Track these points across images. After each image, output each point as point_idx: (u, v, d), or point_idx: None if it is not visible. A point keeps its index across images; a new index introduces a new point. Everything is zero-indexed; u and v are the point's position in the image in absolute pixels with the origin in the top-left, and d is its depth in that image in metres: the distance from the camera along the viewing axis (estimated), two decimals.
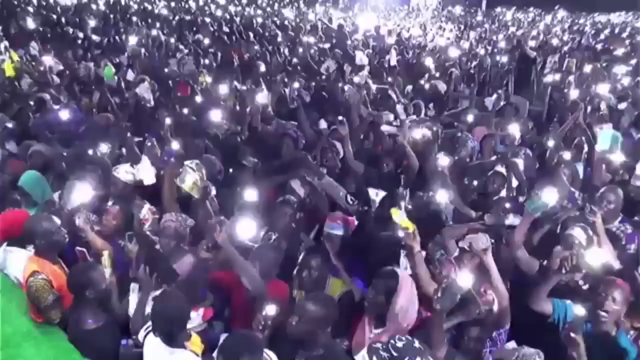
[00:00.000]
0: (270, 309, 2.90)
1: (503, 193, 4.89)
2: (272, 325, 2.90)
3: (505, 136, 6.17)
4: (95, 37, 11.94)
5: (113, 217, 4.03)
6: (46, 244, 3.46)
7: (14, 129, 5.95)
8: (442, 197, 4.44)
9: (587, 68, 10.50)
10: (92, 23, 13.34)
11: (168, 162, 4.42)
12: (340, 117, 5.77)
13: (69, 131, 6.01)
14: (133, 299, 3.40)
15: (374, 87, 8.57)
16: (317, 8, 24.11)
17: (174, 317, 2.88)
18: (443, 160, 4.93)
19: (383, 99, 8.01)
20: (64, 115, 6.03)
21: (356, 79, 8.77)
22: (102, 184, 4.51)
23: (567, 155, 5.25)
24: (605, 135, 5.44)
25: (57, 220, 3.55)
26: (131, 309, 3.36)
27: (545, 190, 3.62)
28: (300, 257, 3.62)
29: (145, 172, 4.55)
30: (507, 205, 4.24)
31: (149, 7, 17.81)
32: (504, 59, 10.70)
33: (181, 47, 11.66)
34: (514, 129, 6.13)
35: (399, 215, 3.19)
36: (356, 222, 4.29)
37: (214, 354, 2.81)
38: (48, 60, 8.53)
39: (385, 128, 6.32)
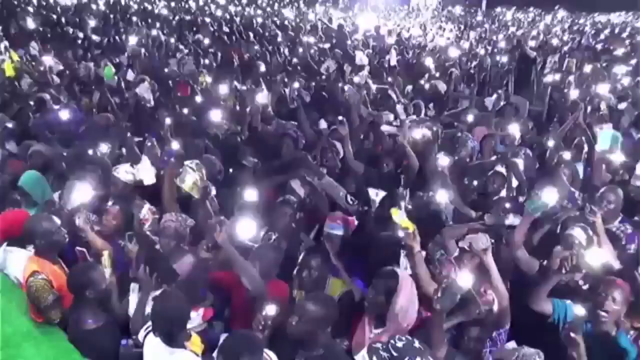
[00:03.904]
0: (270, 309, 2.89)
1: (503, 193, 4.89)
2: (272, 325, 2.90)
3: (505, 136, 6.17)
4: (95, 37, 11.94)
5: (113, 217, 4.02)
6: (46, 244, 3.45)
7: (14, 129, 5.94)
8: (442, 197, 4.44)
9: (587, 68, 10.50)
10: (92, 23, 13.33)
11: (168, 162, 4.42)
12: (340, 117, 5.77)
13: (69, 131, 6.01)
14: (133, 299, 3.40)
15: (374, 87, 8.56)
16: (317, 8, 24.09)
17: (174, 317, 2.87)
18: (443, 160, 4.93)
19: (383, 99, 8.00)
20: (64, 115, 6.02)
21: (356, 79, 8.76)
22: (102, 184, 4.50)
23: (567, 155, 5.25)
24: (605, 135, 5.44)
25: (57, 220, 3.54)
26: (131, 309, 3.36)
27: (545, 190, 3.62)
28: (300, 257, 3.61)
29: (145, 172, 4.55)
30: (507, 205, 4.24)
31: (149, 7, 17.80)
32: (504, 59, 10.70)
33: (181, 47, 11.65)
34: (514, 129, 6.12)
35: (399, 215, 3.19)
36: (356, 222, 4.29)
37: (214, 354, 2.81)
38: (48, 60, 8.51)
39: (385, 128, 6.32)
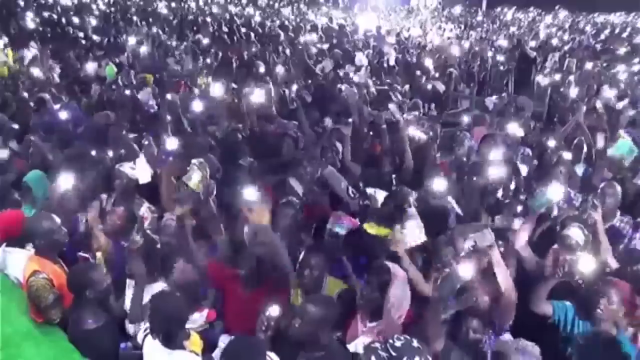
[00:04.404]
0: (274, 310, 2.90)
1: (500, 192, 4.85)
2: (274, 326, 2.90)
3: (506, 136, 6.14)
4: (95, 37, 11.93)
5: (118, 217, 4.01)
6: (46, 244, 3.46)
7: (16, 128, 5.94)
8: (440, 185, 4.38)
9: (588, 67, 10.48)
10: (92, 23, 13.32)
11: (165, 162, 4.40)
12: (349, 119, 5.75)
13: (68, 131, 6.00)
14: (129, 294, 3.40)
15: (373, 87, 8.54)
16: (319, 11, 24.01)
17: (173, 317, 2.88)
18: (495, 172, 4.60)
19: (383, 99, 7.98)
20: (64, 115, 6.01)
21: (355, 79, 8.74)
22: (102, 183, 4.50)
23: (565, 155, 5.23)
24: (623, 145, 5.43)
25: (58, 220, 3.54)
26: (127, 304, 3.37)
27: (550, 187, 3.62)
28: (301, 256, 3.61)
29: (141, 171, 4.53)
30: (519, 208, 4.23)
31: (149, 8, 17.79)
32: (504, 58, 10.69)
33: (181, 47, 11.64)
34: (515, 129, 6.11)
35: (371, 227, 3.22)
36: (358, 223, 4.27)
37: (213, 354, 2.81)
38: (28, 54, 8.40)
39: (392, 107, 6.23)
